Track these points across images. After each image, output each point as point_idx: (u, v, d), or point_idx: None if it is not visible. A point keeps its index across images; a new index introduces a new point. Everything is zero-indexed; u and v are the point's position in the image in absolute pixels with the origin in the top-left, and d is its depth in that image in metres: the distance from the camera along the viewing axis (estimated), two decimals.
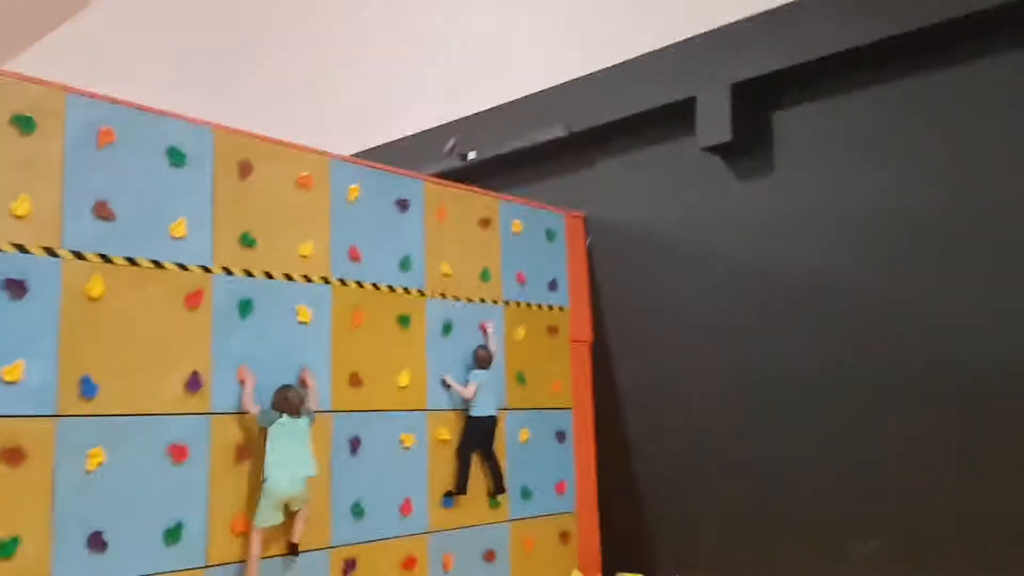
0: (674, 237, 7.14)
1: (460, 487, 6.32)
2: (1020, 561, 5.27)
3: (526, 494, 6.84)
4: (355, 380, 5.85)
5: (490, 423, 6.47)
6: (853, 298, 6.12)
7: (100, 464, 4.60)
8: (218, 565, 5.00)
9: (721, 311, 6.82)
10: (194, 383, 5.03)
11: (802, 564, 6.17)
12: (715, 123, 6.56)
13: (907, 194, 5.92)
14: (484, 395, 6.42)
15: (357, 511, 5.72)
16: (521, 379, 6.96)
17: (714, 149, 6.71)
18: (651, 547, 7.05)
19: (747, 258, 6.68)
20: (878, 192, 6.05)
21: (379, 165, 6.40)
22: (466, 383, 6.38)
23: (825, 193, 6.31)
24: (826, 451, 6.17)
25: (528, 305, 7.17)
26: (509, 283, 7.03)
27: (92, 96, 4.84)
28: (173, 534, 4.83)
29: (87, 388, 4.60)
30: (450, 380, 6.35)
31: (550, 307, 7.34)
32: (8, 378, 4.34)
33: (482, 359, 6.48)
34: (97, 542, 4.54)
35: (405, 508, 6.01)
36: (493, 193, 7.17)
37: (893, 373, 5.87)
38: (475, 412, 6.39)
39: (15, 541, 4.27)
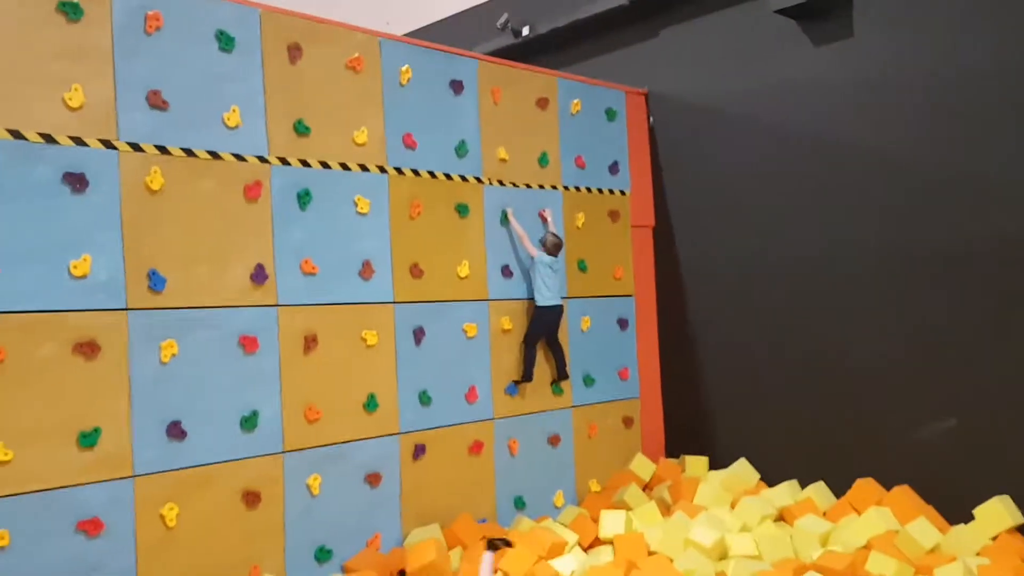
0: (742, 111, 6.76)
1: (526, 375, 6.31)
2: None
3: (588, 381, 6.82)
4: (416, 271, 5.78)
5: (556, 312, 6.39)
6: (932, 170, 5.76)
7: (174, 355, 4.65)
8: (295, 451, 5.11)
9: (791, 189, 6.51)
10: (259, 275, 5.01)
11: (865, 447, 6.06)
12: None
13: (993, 61, 5.46)
14: (550, 284, 6.30)
15: (425, 399, 5.76)
16: (582, 267, 6.83)
17: (788, 12, 6.25)
18: (713, 431, 7.03)
19: (820, 131, 6.30)
20: (964, 59, 5.59)
21: (430, 44, 6.11)
22: (534, 262, 6.28)
23: (905, 59, 5.87)
24: (895, 333, 5.94)
25: (588, 190, 6.94)
26: (568, 167, 6.79)
27: None
28: (250, 421, 4.92)
29: (155, 281, 4.60)
30: (514, 220, 6.30)
31: (611, 191, 7.11)
32: (76, 272, 4.35)
33: (553, 246, 6.30)
34: (176, 430, 4.65)
35: (470, 396, 6.04)
36: (550, 71, 6.83)
37: (975, 246, 5.56)
38: (541, 302, 6.30)
39: (97, 431, 4.38)
